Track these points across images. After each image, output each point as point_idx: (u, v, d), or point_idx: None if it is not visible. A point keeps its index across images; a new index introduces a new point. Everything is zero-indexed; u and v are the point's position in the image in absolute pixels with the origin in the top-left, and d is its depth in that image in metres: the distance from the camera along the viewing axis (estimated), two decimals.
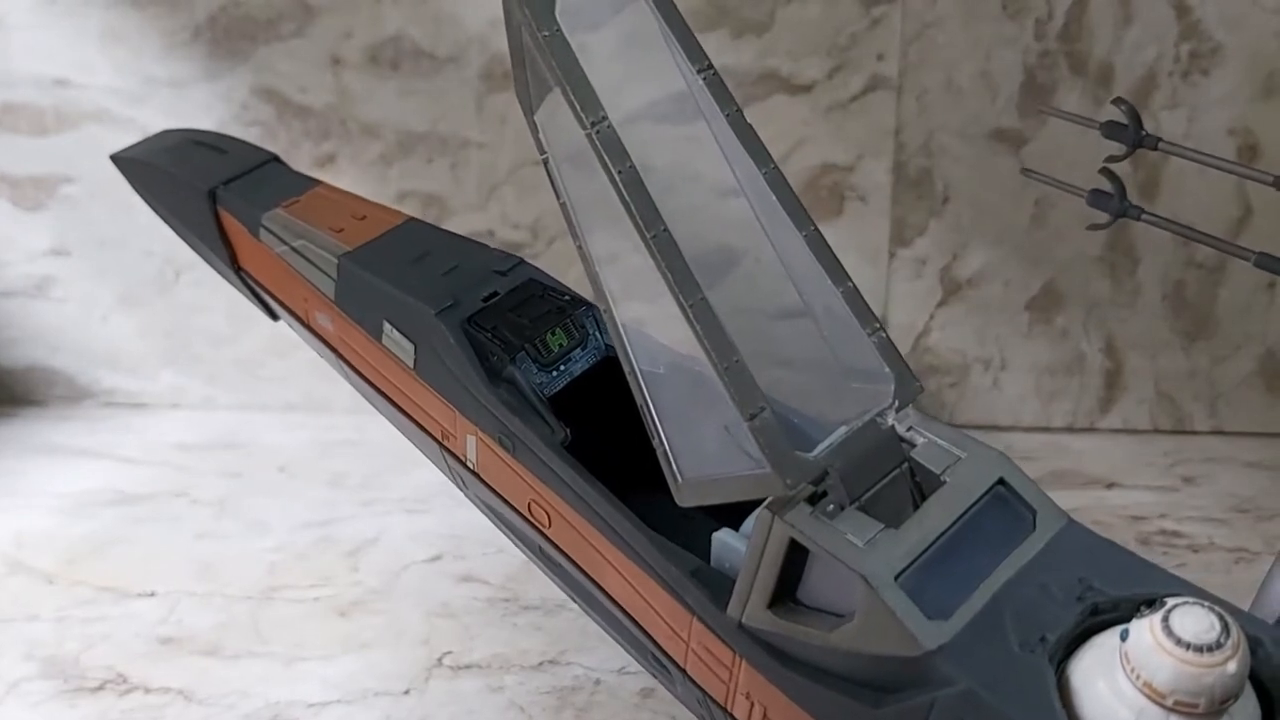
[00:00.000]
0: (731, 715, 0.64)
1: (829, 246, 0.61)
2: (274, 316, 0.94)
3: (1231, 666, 0.48)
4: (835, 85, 1.16)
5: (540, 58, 0.58)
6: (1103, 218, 0.88)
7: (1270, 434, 1.28)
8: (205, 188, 0.89)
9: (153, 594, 1.07)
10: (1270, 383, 1.26)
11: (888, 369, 0.60)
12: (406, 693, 0.96)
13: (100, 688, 0.97)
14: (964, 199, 1.20)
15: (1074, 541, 0.58)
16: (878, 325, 0.60)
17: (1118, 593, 0.55)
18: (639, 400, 0.60)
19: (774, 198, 0.61)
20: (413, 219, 0.86)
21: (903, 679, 0.54)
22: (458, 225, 1.22)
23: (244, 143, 0.97)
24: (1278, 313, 1.23)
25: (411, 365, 0.78)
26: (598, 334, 0.77)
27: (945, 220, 1.21)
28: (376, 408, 0.86)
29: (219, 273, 0.94)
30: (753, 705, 0.62)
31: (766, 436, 0.55)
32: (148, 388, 1.33)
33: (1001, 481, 0.59)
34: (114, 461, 1.25)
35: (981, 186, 1.19)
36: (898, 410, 0.60)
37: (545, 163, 0.60)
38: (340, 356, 0.86)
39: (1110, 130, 0.87)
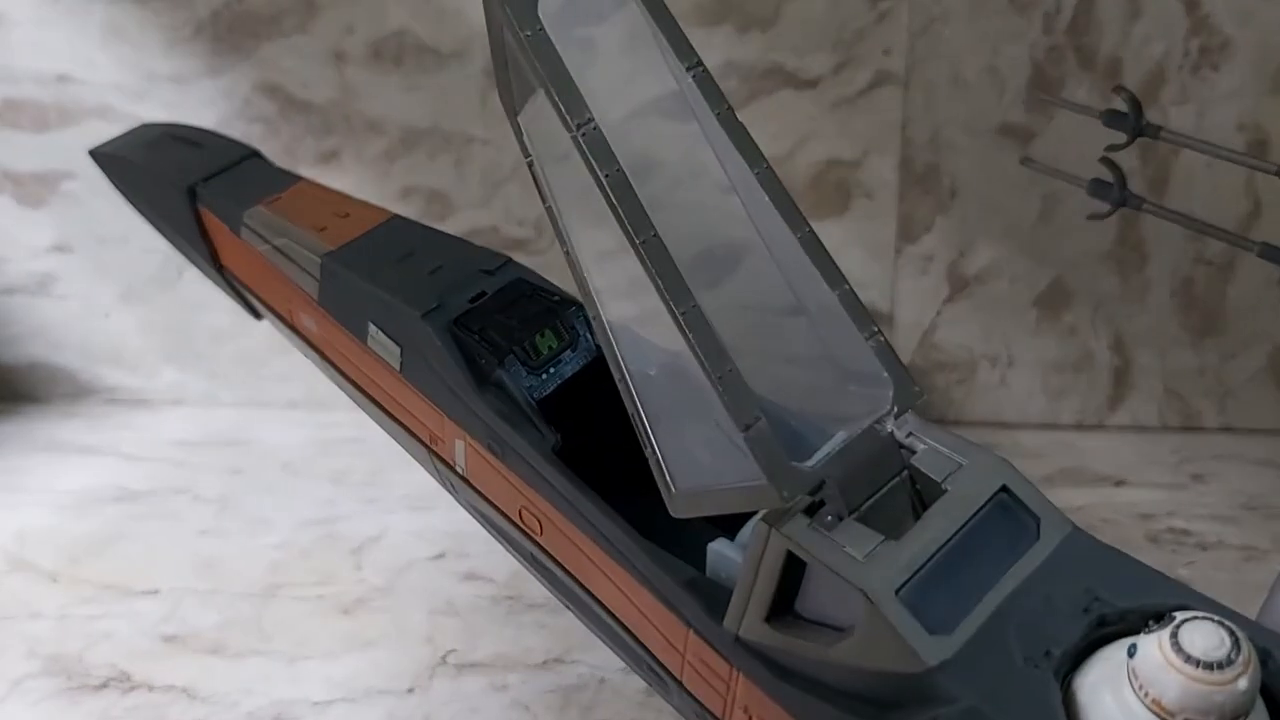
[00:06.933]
0: None
1: (824, 248, 0.59)
2: (258, 315, 0.93)
3: (1242, 684, 0.46)
4: (841, 80, 1.15)
5: (523, 58, 0.56)
6: (1104, 208, 0.87)
7: None
8: (185, 184, 0.87)
9: (155, 592, 1.07)
10: None
11: (886, 374, 0.58)
12: (410, 691, 0.96)
13: (103, 686, 0.97)
14: (971, 195, 1.19)
15: (1079, 550, 0.57)
16: (875, 329, 0.59)
17: (1124, 604, 0.54)
18: (630, 408, 0.59)
19: (767, 199, 0.59)
20: (397, 216, 0.84)
21: (904, 695, 0.53)
22: (461, 221, 1.22)
23: (224, 137, 0.95)
24: None
25: (398, 368, 0.77)
26: (588, 335, 0.75)
27: (952, 216, 1.20)
28: (364, 410, 0.85)
29: (201, 271, 0.92)
30: None
31: (762, 448, 0.54)
32: (150, 385, 1.33)
33: (1004, 489, 0.58)
34: (116, 459, 1.25)
35: (988, 182, 1.18)
36: (897, 416, 0.58)
37: (530, 165, 0.59)
38: (325, 358, 0.85)
39: (1111, 119, 0.86)
